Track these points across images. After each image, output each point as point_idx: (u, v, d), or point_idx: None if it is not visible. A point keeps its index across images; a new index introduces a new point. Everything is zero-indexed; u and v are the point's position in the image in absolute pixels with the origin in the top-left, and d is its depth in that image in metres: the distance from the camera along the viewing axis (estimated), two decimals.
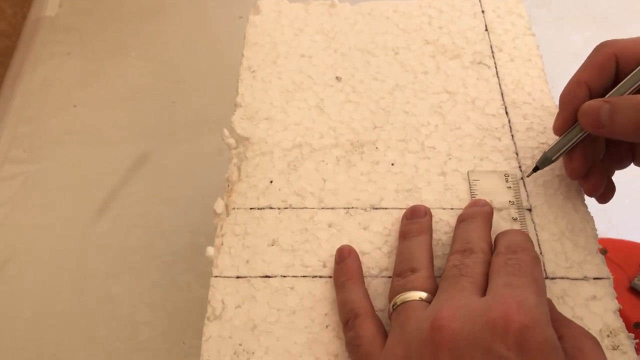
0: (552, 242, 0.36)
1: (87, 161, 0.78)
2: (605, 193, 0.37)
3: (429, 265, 0.32)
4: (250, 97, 0.44)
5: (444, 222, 0.37)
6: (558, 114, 0.36)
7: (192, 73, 0.86)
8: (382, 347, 0.30)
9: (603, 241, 0.36)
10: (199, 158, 0.76)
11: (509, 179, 0.38)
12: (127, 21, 0.94)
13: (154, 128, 0.80)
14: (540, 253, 0.35)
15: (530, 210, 0.37)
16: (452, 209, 0.37)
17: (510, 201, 0.37)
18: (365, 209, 0.38)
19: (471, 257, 0.30)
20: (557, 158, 0.36)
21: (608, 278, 0.34)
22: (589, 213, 0.37)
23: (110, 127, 0.81)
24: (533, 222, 0.36)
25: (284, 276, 0.35)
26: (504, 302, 0.26)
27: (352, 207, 0.38)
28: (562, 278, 0.34)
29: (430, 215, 0.36)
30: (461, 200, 0.38)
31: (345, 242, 0.36)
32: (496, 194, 0.38)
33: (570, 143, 0.35)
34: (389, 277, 0.35)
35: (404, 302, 0.30)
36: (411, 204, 0.37)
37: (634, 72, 0.33)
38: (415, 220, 0.35)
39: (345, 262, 0.34)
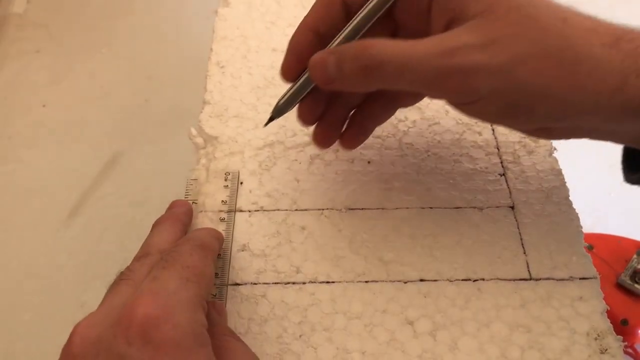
0: (536, 241, 0.34)
1: (57, 163, 0.75)
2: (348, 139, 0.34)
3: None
4: (219, 93, 0.42)
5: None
6: (284, 60, 0.32)
7: (166, 70, 0.83)
8: None
9: (589, 236, 0.35)
10: (173, 157, 0.74)
11: (229, 177, 0.37)
12: (98, 17, 0.92)
13: (127, 127, 0.78)
14: (524, 253, 0.33)
15: (512, 207, 0.35)
16: (431, 208, 0.36)
17: (223, 201, 0.36)
18: (340, 210, 0.36)
19: (141, 260, 0.28)
20: (291, 108, 0.32)
21: (595, 277, 0.33)
22: (574, 210, 0.36)
23: (81, 127, 0.78)
24: (516, 221, 0.35)
25: (255, 283, 0.33)
26: (138, 297, 0.24)
27: (327, 209, 0.36)
28: (547, 279, 0.33)
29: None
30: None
31: (320, 244, 0.34)
32: (213, 194, 0.36)
33: (303, 93, 0.31)
34: (366, 281, 0.33)
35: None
36: (388, 203, 0.35)
37: (359, 13, 0.29)
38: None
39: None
